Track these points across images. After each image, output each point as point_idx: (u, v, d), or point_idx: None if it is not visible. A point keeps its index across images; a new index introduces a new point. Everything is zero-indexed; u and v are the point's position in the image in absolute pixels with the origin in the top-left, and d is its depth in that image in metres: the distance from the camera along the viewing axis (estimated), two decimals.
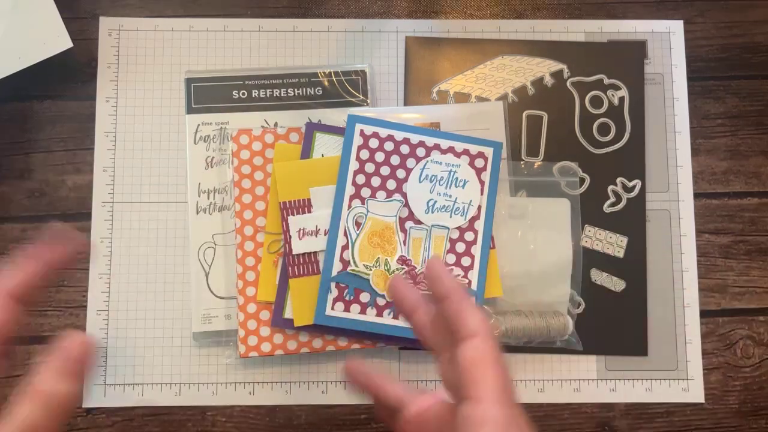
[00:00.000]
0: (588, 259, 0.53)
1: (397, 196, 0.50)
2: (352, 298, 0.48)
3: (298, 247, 0.49)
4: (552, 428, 0.52)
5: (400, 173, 0.50)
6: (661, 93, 0.56)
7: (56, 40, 0.51)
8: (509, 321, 0.50)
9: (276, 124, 0.53)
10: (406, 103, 0.55)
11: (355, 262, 0.49)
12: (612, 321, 0.53)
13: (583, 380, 0.53)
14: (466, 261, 0.50)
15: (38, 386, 0.30)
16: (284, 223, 0.49)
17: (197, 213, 0.52)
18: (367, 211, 0.50)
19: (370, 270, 0.49)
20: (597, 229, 0.54)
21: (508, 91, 0.55)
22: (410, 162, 0.50)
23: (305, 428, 0.52)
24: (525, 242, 0.52)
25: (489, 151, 0.51)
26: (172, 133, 0.54)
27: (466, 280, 0.49)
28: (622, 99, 0.55)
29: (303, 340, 0.50)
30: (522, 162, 0.54)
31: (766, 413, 0.53)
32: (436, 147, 0.51)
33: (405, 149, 0.50)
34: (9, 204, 0.53)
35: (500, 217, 0.52)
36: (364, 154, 0.50)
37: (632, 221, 0.54)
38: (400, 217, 0.50)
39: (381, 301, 0.49)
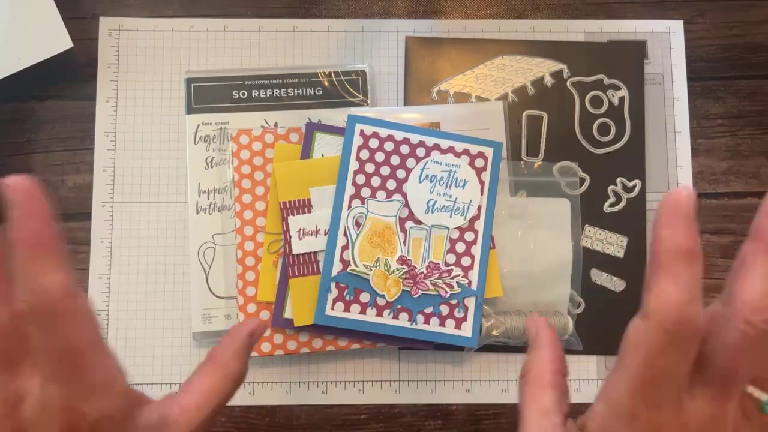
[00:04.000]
0: (588, 259, 0.53)
1: (397, 196, 0.50)
2: (352, 298, 0.48)
3: (298, 247, 0.49)
4: None
5: (400, 173, 0.50)
6: (661, 93, 0.56)
7: (56, 40, 0.51)
8: (509, 321, 0.50)
9: (276, 124, 0.53)
10: (406, 103, 0.55)
11: (355, 262, 0.49)
12: (612, 321, 0.53)
13: (583, 380, 0.53)
14: (466, 261, 0.50)
15: (220, 358, 0.32)
16: (284, 223, 0.50)
17: (197, 213, 0.52)
18: (367, 211, 0.50)
19: (370, 270, 0.49)
20: (597, 229, 0.54)
21: (508, 91, 0.55)
22: (410, 162, 0.50)
23: (305, 428, 0.52)
24: (525, 242, 0.52)
25: (489, 151, 0.51)
26: (172, 133, 0.54)
27: (466, 280, 0.49)
28: (622, 99, 0.55)
29: (303, 340, 0.50)
30: (522, 162, 0.54)
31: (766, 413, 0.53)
32: (436, 147, 0.51)
33: (405, 149, 0.50)
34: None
35: (500, 217, 0.52)
36: (364, 154, 0.50)
37: (632, 221, 0.54)
38: (400, 217, 0.50)
39: (381, 301, 0.49)
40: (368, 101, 0.54)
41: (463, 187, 0.50)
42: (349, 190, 0.50)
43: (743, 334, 0.24)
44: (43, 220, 0.25)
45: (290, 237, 0.49)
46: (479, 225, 0.50)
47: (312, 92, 0.54)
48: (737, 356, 0.25)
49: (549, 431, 0.29)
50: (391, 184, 0.50)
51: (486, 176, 0.51)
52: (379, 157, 0.50)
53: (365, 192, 0.50)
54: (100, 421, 0.26)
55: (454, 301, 0.49)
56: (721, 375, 0.25)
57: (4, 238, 0.25)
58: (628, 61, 0.56)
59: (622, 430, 0.26)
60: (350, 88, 0.54)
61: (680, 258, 0.24)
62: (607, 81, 0.55)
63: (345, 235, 0.49)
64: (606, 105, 0.55)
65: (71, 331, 0.25)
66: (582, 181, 0.54)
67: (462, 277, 0.49)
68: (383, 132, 0.50)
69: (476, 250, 0.50)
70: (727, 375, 0.25)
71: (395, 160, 0.50)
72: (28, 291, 0.24)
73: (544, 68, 0.55)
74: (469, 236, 0.50)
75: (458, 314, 0.49)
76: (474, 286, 0.49)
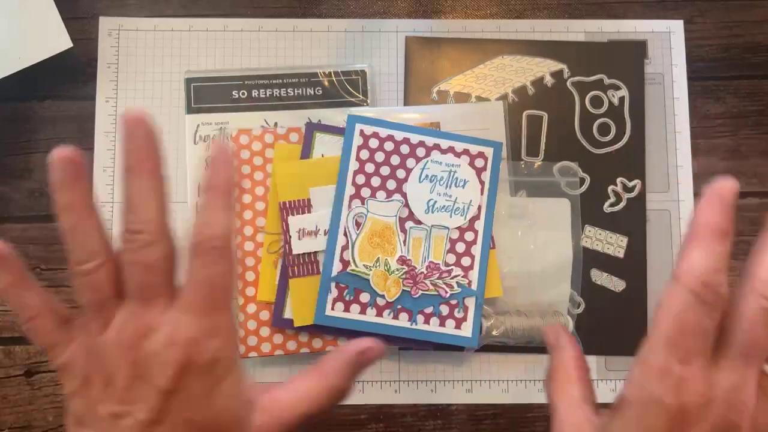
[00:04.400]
0: (588, 259, 0.53)
1: (397, 196, 0.50)
2: (352, 298, 0.48)
3: (298, 247, 0.49)
4: None
5: (400, 173, 0.50)
6: (661, 93, 0.56)
7: (56, 40, 0.51)
8: (509, 321, 0.50)
9: (276, 124, 0.53)
10: (406, 103, 0.55)
11: (355, 262, 0.49)
12: (612, 321, 0.53)
13: None
14: (466, 261, 0.50)
15: (325, 368, 0.32)
16: (284, 224, 0.49)
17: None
18: (367, 211, 0.50)
19: (370, 270, 0.49)
20: (597, 229, 0.54)
21: (508, 91, 0.55)
22: (410, 162, 0.50)
23: (305, 428, 0.52)
24: (525, 242, 0.52)
25: (489, 151, 0.51)
26: (171, 133, 0.54)
27: (466, 280, 0.49)
28: (622, 99, 0.55)
29: (303, 341, 0.50)
30: (522, 162, 0.54)
31: None
32: (436, 147, 0.51)
33: (405, 149, 0.50)
34: (9, 204, 0.53)
35: (500, 217, 0.52)
36: (364, 154, 0.50)
37: (632, 221, 0.54)
38: (400, 217, 0.50)
39: (381, 301, 0.49)
40: (368, 101, 0.54)
41: (463, 187, 0.50)
42: (349, 190, 0.50)
43: (761, 309, 0.26)
44: (229, 171, 0.30)
45: (290, 237, 0.49)
46: (479, 225, 0.50)
47: (312, 92, 0.54)
48: (756, 330, 0.27)
49: (583, 419, 0.31)
50: (391, 184, 0.50)
51: (486, 176, 0.51)
52: (379, 157, 0.50)
53: (365, 192, 0.50)
54: (214, 360, 0.28)
55: (454, 301, 0.49)
56: (742, 348, 0.27)
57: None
58: (628, 61, 0.56)
59: (654, 385, 0.27)
60: (350, 88, 0.54)
61: (714, 234, 0.27)
62: (607, 81, 0.55)
63: (345, 235, 0.49)
64: (606, 105, 0.55)
65: (224, 268, 0.29)
66: (582, 181, 0.54)
67: (462, 277, 0.49)
68: (383, 132, 0.50)
69: (476, 250, 0.50)
70: (747, 348, 0.27)
71: (395, 160, 0.50)
72: (203, 225, 0.29)
73: (544, 68, 0.55)
74: (469, 236, 0.50)
75: (458, 314, 0.49)
76: (474, 286, 0.49)
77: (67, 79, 0.54)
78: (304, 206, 0.50)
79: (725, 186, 0.28)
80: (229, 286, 0.30)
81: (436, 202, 0.50)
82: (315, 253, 0.49)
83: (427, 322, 0.49)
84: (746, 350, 0.27)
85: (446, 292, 0.49)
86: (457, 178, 0.50)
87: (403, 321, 0.48)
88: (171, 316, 0.28)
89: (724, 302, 0.27)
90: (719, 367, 0.27)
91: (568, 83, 0.55)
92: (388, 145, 0.50)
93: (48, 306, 0.31)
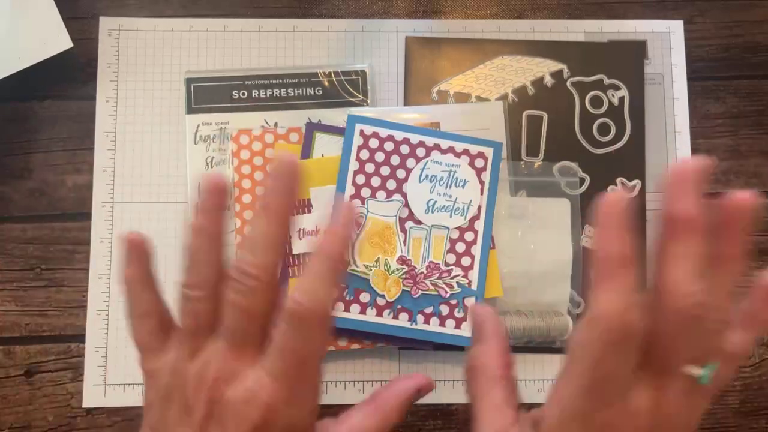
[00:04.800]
0: (588, 259, 0.53)
1: (397, 196, 0.50)
2: (352, 298, 0.48)
3: (298, 247, 0.49)
4: None
5: (400, 173, 0.50)
6: (661, 93, 0.56)
7: (56, 40, 0.51)
8: (509, 321, 0.50)
9: (276, 124, 0.53)
10: (406, 103, 0.55)
11: (355, 262, 0.49)
12: None
13: None
14: (466, 261, 0.50)
15: (384, 405, 0.32)
16: None
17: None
18: (367, 211, 0.50)
19: (370, 270, 0.49)
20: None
21: (508, 91, 0.55)
22: (410, 162, 0.50)
23: None
24: (525, 242, 0.52)
25: (489, 151, 0.51)
26: (172, 133, 0.54)
27: (466, 280, 0.49)
28: (622, 99, 0.55)
29: None
30: (522, 162, 0.54)
31: (766, 413, 0.53)
32: (436, 147, 0.51)
33: (405, 149, 0.50)
34: (9, 204, 0.53)
35: (500, 217, 0.52)
36: (364, 154, 0.50)
37: (632, 221, 0.54)
38: (400, 217, 0.50)
39: (381, 301, 0.49)
40: (368, 101, 0.54)
41: (463, 187, 0.50)
42: (349, 190, 0.50)
43: (675, 321, 0.26)
44: (346, 242, 0.29)
45: (290, 237, 0.49)
46: (479, 225, 0.50)
47: (312, 92, 0.54)
48: (673, 342, 0.26)
49: (503, 426, 0.30)
50: (391, 184, 0.50)
51: (486, 176, 0.51)
52: (379, 157, 0.50)
53: (365, 192, 0.50)
54: (289, 427, 0.28)
55: (454, 301, 0.49)
56: (661, 362, 0.27)
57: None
58: (628, 61, 0.56)
59: (576, 430, 0.27)
60: (350, 88, 0.54)
61: (616, 266, 0.26)
62: (607, 81, 0.55)
63: None
64: (606, 105, 0.55)
65: (313, 344, 0.28)
66: (582, 181, 0.54)
67: (462, 277, 0.49)
68: (383, 132, 0.50)
69: (476, 250, 0.50)
70: (665, 361, 0.27)
71: (395, 160, 0.50)
72: (307, 293, 0.27)
73: (544, 68, 0.55)
74: (469, 236, 0.50)
75: (458, 314, 0.49)
76: (474, 286, 0.49)
77: (67, 79, 0.54)
78: (304, 206, 0.50)
79: (613, 202, 0.27)
80: (320, 360, 0.29)
81: (436, 202, 0.50)
82: None
83: (427, 322, 0.49)
84: (665, 364, 0.27)
85: (446, 292, 0.49)
86: (457, 178, 0.50)
87: (403, 321, 0.49)
88: (256, 374, 0.28)
89: (641, 335, 0.26)
90: (639, 387, 0.27)
91: (568, 83, 0.55)
92: (388, 145, 0.50)
93: (159, 308, 0.32)
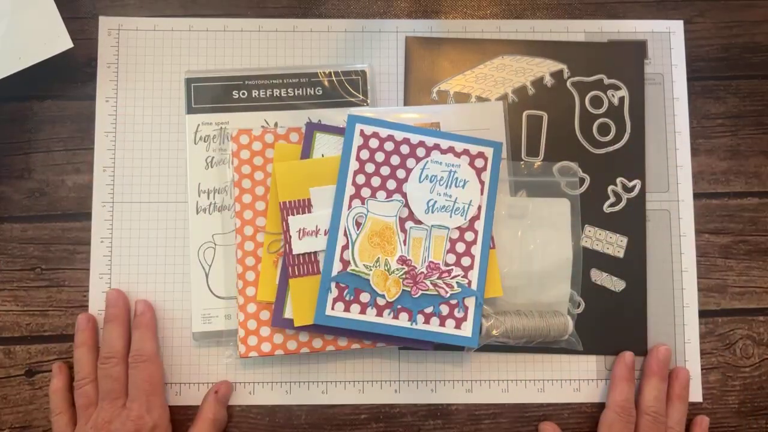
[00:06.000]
0: (588, 259, 0.53)
1: (397, 196, 0.50)
2: (352, 298, 0.48)
3: (298, 247, 0.49)
4: None
5: (400, 173, 0.50)
6: (661, 93, 0.56)
7: (56, 40, 0.51)
8: (509, 321, 0.50)
9: (276, 124, 0.53)
10: (406, 103, 0.55)
11: (355, 262, 0.49)
12: (612, 321, 0.53)
13: (583, 380, 0.53)
14: (466, 261, 0.50)
15: (207, 414, 0.50)
16: (284, 223, 0.50)
17: (197, 213, 0.52)
18: (367, 211, 0.50)
19: (370, 270, 0.49)
20: (597, 229, 0.54)
21: (508, 91, 0.55)
22: (410, 162, 0.50)
23: (305, 428, 0.52)
24: (525, 242, 0.52)
25: (489, 151, 0.51)
26: (172, 133, 0.54)
27: (466, 280, 0.49)
28: (622, 99, 0.55)
29: (303, 340, 0.50)
30: (522, 162, 0.54)
31: (766, 413, 0.53)
32: (436, 147, 0.51)
33: (405, 149, 0.50)
34: (9, 204, 0.53)
35: (500, 217, 0.52)
36: (364, 154, 0.50)
37: (632, 221, 0.54)
38: (400, 217, 0.50)
39: (381, 301, 0.49)
40: (368, 101, 0.54)
41: (463, 187, 0.50)
42: (349, 190, 0.50)
43: (646, 420, 0.50)
44: (150, 314, 0.52)
45: (290, 237, 0.49)
46: (479, 225, 0.50)
47: (312, 92, 0.54)
48: (644, 427, 0.50)
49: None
50: (391, 184, 0.50)
51: (486, 176, 0.51)
52: (379, 157, 0.50)
53: (365, 192, 0.50)
54: (154, 426, 0.48)
55: (454, 301, 0.49)
56: None
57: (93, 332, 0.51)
58: (628, 61, 0.56)
59: None
60: (350, 88, 0.54)
61: (625, 381, 0.51)
62: (607, 81, 0.55)
63: (345, 235, 0.49)
64: (606, 105, 0.55)
65: (152, 374, 0.49)
66: (582, 181, 0.54)
67: (462, 277, 0.49)
68: (383, 132, 0.50)
69: (476, 250, 0.50)
70: None
71: (395, 160, 0.50)
72: (137, 351, 0.49)
73: (544, 68, 0.55)
74: (469, 236, 0.50)
75: (458, 314, 0.49)
76: (474, 286, 0.49)
77: (67, 79, 0.54)
78: (304, 206, 0.50)
79: (627, 357, 0.51)
80: (160, 381, 0.50)
81: (436, 202, 0.50)
82: (315, 253, 0.49)
83: (427, 321, 0.49)
84: None
85: (446, 292, 0.49)
86: (457, 178, 0.50)
87: (403, 321, 0.49)
88: (127, 406, 0.48)
89: (634, 417, 0.50)
90: None
91: (568, 83, 0.55)
92: (388, 145, 0.50)
93: (94, 376, 0.50)
